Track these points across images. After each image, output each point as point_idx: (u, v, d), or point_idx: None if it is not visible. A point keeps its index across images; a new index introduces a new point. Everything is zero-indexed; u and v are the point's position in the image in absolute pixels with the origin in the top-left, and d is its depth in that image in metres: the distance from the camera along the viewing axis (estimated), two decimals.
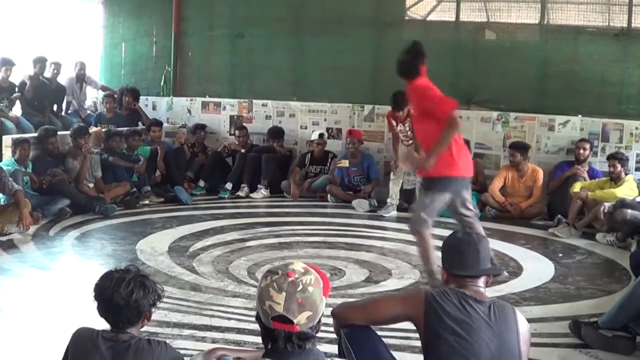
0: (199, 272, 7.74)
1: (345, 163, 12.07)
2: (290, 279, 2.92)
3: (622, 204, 9.53)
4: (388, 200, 11.10)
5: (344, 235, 9.45)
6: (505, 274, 7.66)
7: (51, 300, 6.72)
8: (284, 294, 2.89)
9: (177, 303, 6.53)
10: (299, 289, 2.90)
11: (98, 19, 15.04)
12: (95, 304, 3.48)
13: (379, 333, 4.02)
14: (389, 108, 10.99)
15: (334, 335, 4.01)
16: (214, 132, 13.88)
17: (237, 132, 13.25)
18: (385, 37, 12.96)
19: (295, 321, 2.89)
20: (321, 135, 12.60)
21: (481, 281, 3.81)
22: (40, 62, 12.46)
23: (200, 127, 13.49)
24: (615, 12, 11.91)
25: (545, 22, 12.31)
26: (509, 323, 3.66)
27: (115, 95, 13.62)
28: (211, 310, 6.47)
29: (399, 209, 11.16)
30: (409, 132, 10.76)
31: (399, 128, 10.88)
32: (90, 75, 14.03)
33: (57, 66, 12.97)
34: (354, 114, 13.01)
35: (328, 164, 12.46)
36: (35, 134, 10.99)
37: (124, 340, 3.41)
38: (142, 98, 13.96)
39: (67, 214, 10.17)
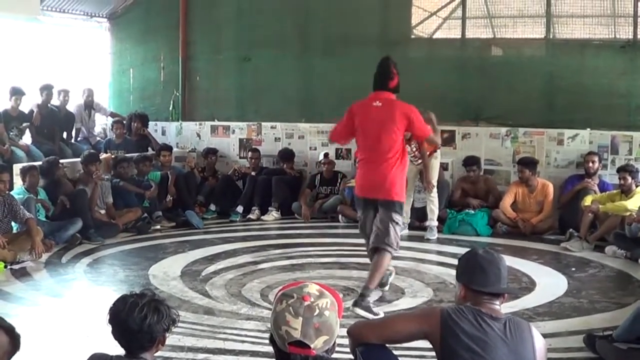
0: (212, 296, 7.74)
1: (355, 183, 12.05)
2: (306, 303, 2.88)
3: None
4: None
5: (356, 256, 9.40)
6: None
7: (65, 327, 6.74)
8: (300, 319, 2.86)
9: (191, 327, 6.53)
10: (315, 314, 2.87)
11: (105, 45, 15.15)
12: (109, 328, 3.46)
13: (394, 352, 4.01)
14: None
15: (348, 356, 4.00)
16: (224, 156, 13.89)
17: (249, 153, 13.27)
18: (391, 56, 12.95)
19: (312, 346, 2.86)
20: (326, 155, 12.61)
21: (498, 299, 3.81)
22: (47, 89, 12.53)
23: (211, 152, 13.50)
24: (621, 23, 11.95)
25: (551, 37, 12.35)
26: (525, 339, 3.65)
27: (124, 121, 13.67)
28: (225, 333, 6.47)
29: (411, 227, 11.15)
30: (416, 152, 10.78)
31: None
32: (98, 102, 14.12)
33: (66, 93, 13.04)
34: None
35: (338, 184, 12.47)
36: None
37: None
38: (151, 123, 14.00)
39: (77, 240, 10.20)
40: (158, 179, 12.12)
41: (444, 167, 11.76)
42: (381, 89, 7.39)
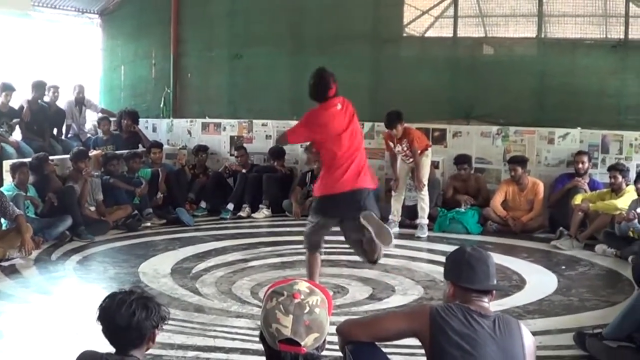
0: (202, 294, 7.73)
1: None
2: (296, 301, 2.87)
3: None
4: (390, 217, 11.05)
5: (346, 253, 9.35)
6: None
7: (54, 324, 6.72)
8: (291, 316, 2.84)
9: (181, 325, 6.52)
10: (306, 311, 2.86)
11: (97, 42, 15.10)
12: (99, 326, 3.43)
13: (384, 349, 4.01)
14: None
15: (338, 353, 4.00)
16: (215, 153, 13.86)
17: (236, 152, 13.28)
18: (383, 54, 13.00)
19: (302, 343, 2.84)
20: None
21: (487, 297, 3.81)
22: (39, 86, 12.47)
23: (202, 149, 13.45)
24: (612, 23, 11.97)
25: (542, 36, 12.37)
26: (514, 337, 3.65)
27: (112, 119, 13.65)
28: (215, 331, 6.47)
29: (401, 225, 11.14)
30: (407, 152, 10.79)
31: (397, 149, 10.90)
32: (89, 99, 14.04)
33: (56, 89, 12.98)
34: None
35: None
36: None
37: None
38: (142, 120, 13.97)
39: (67, 237, 10.18)
40: (148, 176, 12.09)
41: (434, 165, 11.79)
42: None
